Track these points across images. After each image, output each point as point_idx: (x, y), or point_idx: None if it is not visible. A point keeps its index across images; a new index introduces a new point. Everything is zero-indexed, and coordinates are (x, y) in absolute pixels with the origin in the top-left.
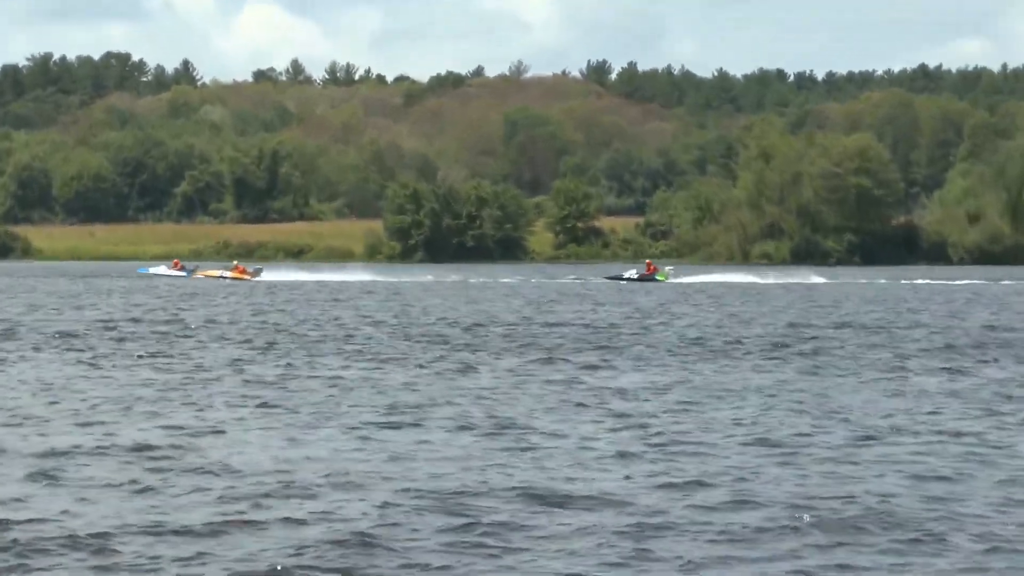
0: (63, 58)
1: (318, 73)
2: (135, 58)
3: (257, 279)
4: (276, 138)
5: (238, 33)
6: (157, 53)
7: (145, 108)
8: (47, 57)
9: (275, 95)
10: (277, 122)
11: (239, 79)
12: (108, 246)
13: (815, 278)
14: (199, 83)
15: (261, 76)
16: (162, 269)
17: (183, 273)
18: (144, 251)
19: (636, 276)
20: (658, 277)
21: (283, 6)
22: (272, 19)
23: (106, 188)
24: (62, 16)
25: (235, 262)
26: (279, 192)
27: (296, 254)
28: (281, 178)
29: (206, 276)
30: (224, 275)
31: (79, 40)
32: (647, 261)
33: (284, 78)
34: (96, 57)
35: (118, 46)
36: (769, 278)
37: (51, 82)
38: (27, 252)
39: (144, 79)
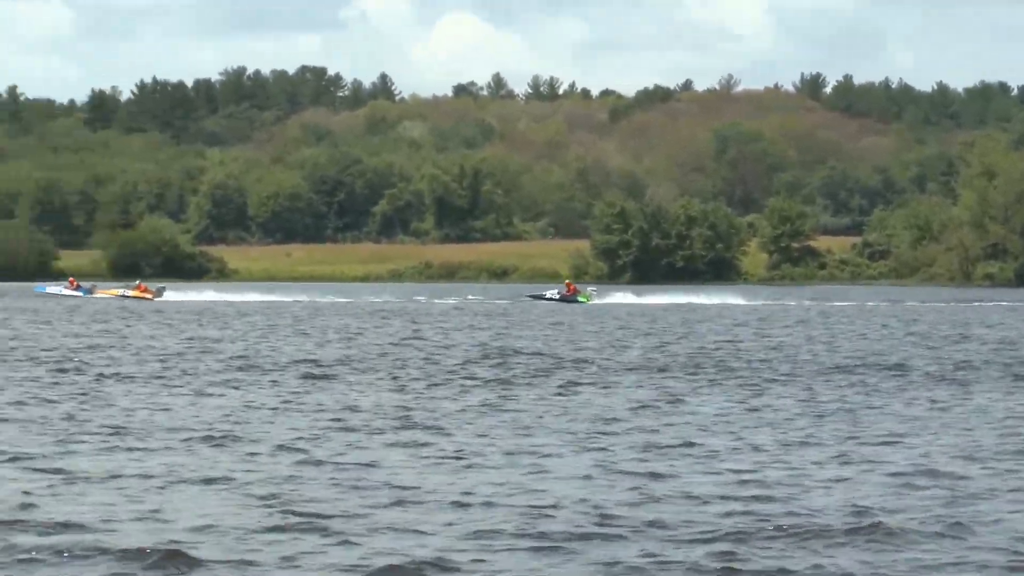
0: (257, 72)
1: (520, 87)
2: (331, 72)
3: (159, 299)
4: (478, 155)
5: (437, 45)
6: (354, 67)
7: (341, 124)
8: (240, 71)
9: (476, 110)
10: (478, 138)
11: (438, 94)
12: (305, 267)
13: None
14: (397, 98)
15: (461, 91)
16: (59, 289)
17: (79, 292)
18: (342, 272)
19: (558, 296)
20: (580, 299)
21: (483, 17)
22: (472, 31)
23: (302, 207)
24: (256, 29)
25: (137, 280)
26: (481, 211)
27: (499, 275)
28: (483, 196)
29: (106, 295)
30: (125, 294)
31: (273, 53)
32: (567, 282)
33: (485, 92)
34: (291, 71)
35: (313, 60)
36: (702, 297)
37: (245, 97)
38: (223, 273)
39: (340, 94)
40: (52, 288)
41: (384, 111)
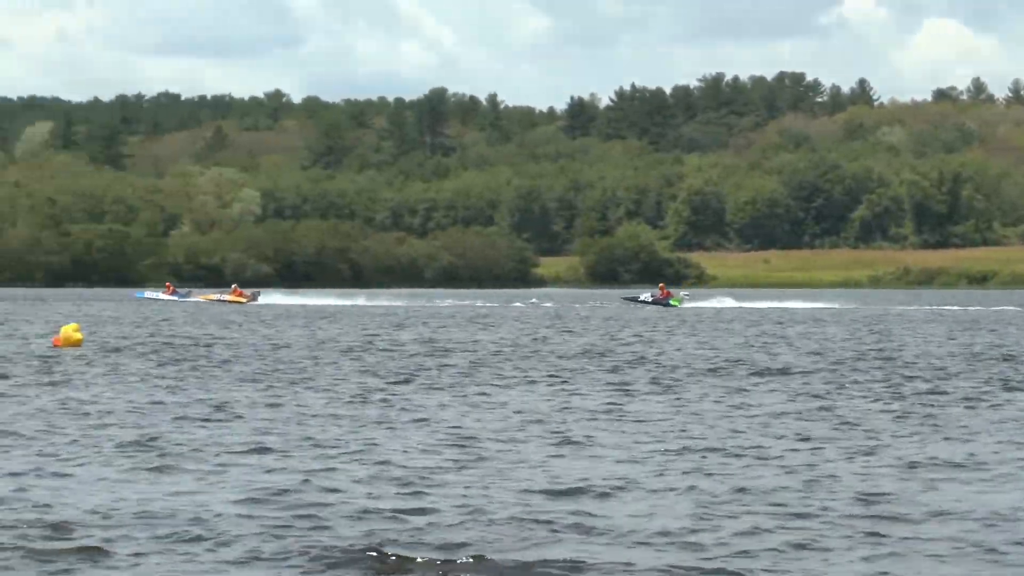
0: (735, 79)
1: (1000, 91)
2: (809, 78)
3: (255, 303)
4: (957, 160)
5: (916, 50)
6: (832, 72)
7: (819, 129)
8: (719, 78)
9: (955, 115)
10: (958, 143)
11: (917, 98)
12: (782, 273)
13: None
14: (876, 103)
15: (941, 95)
16: (156, 294)
17: (175, 297)
18: (818, 278)
19: (651, 300)
20: (672, 302)
21: (964, 21)
22: (953, 35)
23: (780, 213)
24: (734, 35)
25: (233, 285)
26: (960, 216)
27: (979, 280)
28: (963, 201)
29: (204, 299)
30: (222, 298)
31: (751, 60)
32: (660, 285)
33: (965, 97)
34: (769, 77)
35: (791, 65)
36: (797, 302)
37: (723, 104)
38: (700, 279)
39: (819, 99)
40: (150, 293)
41: (862, 116)
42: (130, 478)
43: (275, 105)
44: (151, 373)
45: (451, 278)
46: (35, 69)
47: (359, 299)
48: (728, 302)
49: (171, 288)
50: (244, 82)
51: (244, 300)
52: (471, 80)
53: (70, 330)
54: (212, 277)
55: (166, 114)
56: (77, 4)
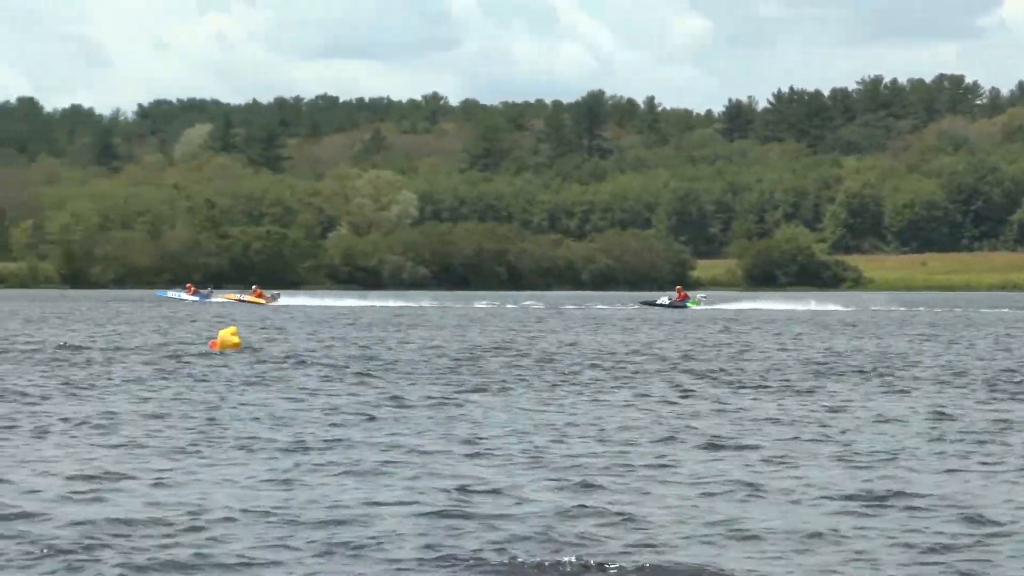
0: (894, 81)
1: None
2: (968, 80)
3: (274, 304)
4: None
5: None
6: (991, 74)
7: (978, 132)
8: (877, 80)
9: None
10: None
11: None
12: (940, 276)
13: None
14: None
15: None
16: (177, 293)
17: (196, 297)
18: (976, 281)
19: (668, 303)
20: (689, 304)
21: None
22: None
23: (939, 216)
24: (893, 37)
25: (253, 285)
26: None
27: None
28: None
29: (225, 299)
30: (242, 298)
31: (910, 62)
32: (678, 287)
33: None
34: (928, 79)
35: (950, 67)
36: (811, 304)
37: (881, 106)
38: (858, 282)
39: (978, 102)
40: (172, 293)
41: (1022, 118)
42: (305, 480)
43: (433, 107)
44: (318, 376)
45: (608, 280)
46: (194, 71)
47: (390, 301)
48: (746, 304)
49: (193, 288)
50: (402, 84)
51: (264, 301)
52: (629, 82)
53: (227, 333)
54: (369, 279)
55: (324, 116)
56: (236, 7)
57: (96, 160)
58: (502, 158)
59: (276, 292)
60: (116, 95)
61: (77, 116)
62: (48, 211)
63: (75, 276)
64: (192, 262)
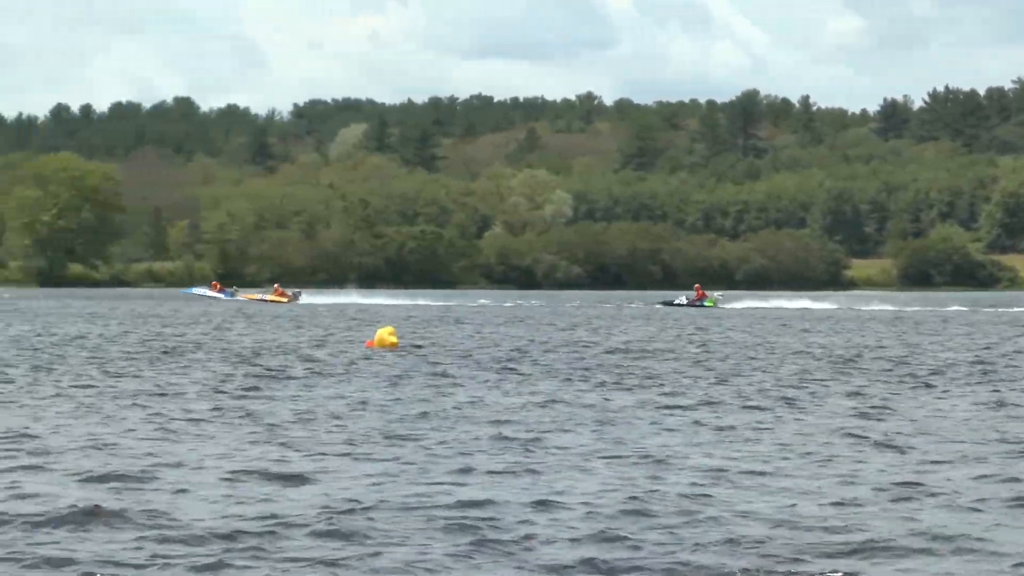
0: None
1: None
2: None
3: (296, 303)
4: None
5: None
6: None
7: None
8: None
9: None
10: None
11: None
12: None
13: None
14: None
15: None
16: (203, 291)
17: (224, 295)
18: None
19: (686, 302)
20: (706, 303)
21: None
22: None
23: None
24: None
25: (275, 285)
26: None
27: None
28: None
29: (247, 298)
30: (263, 297)
31: None
32: (696, 286)
33: None
34: None
35: None
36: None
37: None
38: (1013, 282)
39: None
40: (197, 290)
41: None
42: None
43: (587, 107)
44: (481, 374)
45: (762, 280)
46: (349, 71)
47: (421, 299)
48: (759, 302)
49: (218, 286)
50: (557, 84)
51: (285, 300)
52: (783, 81)
53: (385, 333)
54: (524, 279)
55: (479, 116)
56: (390, 6)
57: (251, 160)
58: (656, 157)
59: (298, 291)
60: (271, 95)
61: (233, 116)
62: (204, 211)
63: (230, 275)
64: (346, 261)
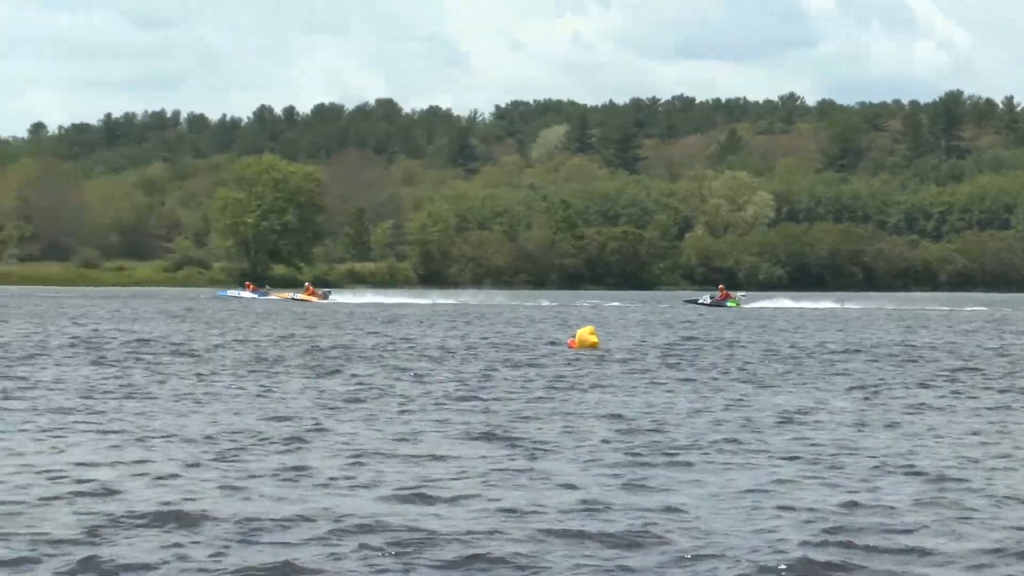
0: None
1: None
2: None
3: (326, 301)
4: None
5: None
6: None
7: None
8: None
9: None
10: None
11: None
12: None
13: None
14: None
15: None
16: (237, 292)
17: (257, 295)
18: None
19: (710, 301)
20: (729, 304)
21: None
22: None
23: None
24: None
25: (306, 283)
26: None
27: None
28: None
29: (279, 297)
30: (295, 296)
31: None
32: (720, 287)
33: None
34: None
35: None
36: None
37: None
38: None
39: None
40: (232, 292)
41: None
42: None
43: (789, 108)
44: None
45: (965, 282)
46: (550, 72)
47: (438, 298)
48: (785, 302)
49: (251, 287)
50: (758, 85)
51: (316, 299)
52: (987, 82)
53: (586, 333)
54: (725, 280)
55: (680, 117)
56: (591, 8)
57: (452, 161)
58: (858, 159)
59: (327, 290)
60: (473, 96)
61: (435, 117)
62: (406, 212)
63: (432, 276)
64: (548, 262)
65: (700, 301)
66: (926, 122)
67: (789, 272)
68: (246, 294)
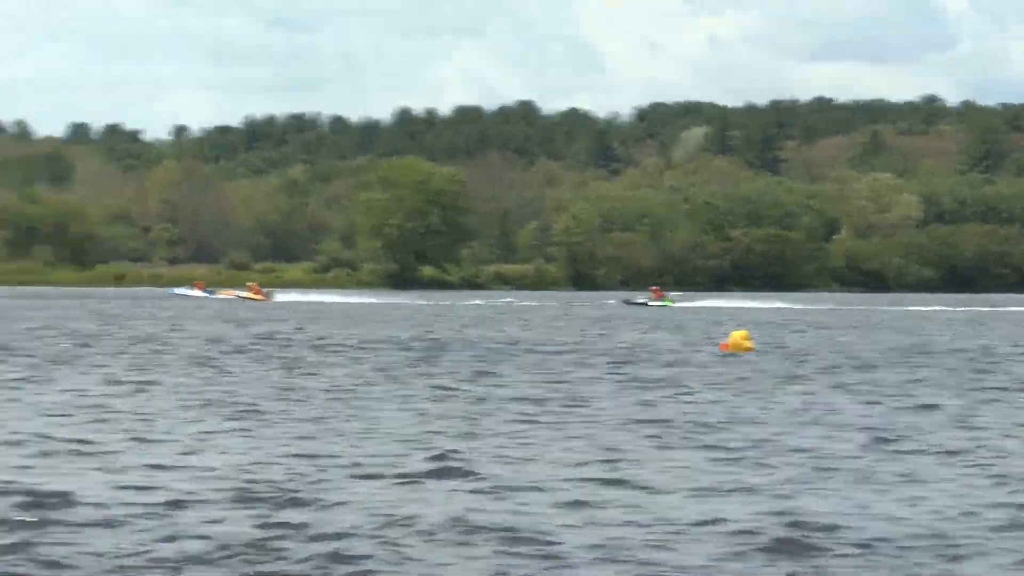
0: None
1: None
2: None
3: (270, 300)
4: None
5: None
6: None
7: None
8: None
9: None
10: None
11: None
12: None
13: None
14: None
15: None
16: (185, 291)
17: (205, 293)
18: None
19: (645, 302)
20: (665, 303)
21: None
22: None
23: None
24: None
25: (248, 283)
26: None
27: None
28: None
29: (227, 296)
30: (239, 295)
31: None
32: (653, 287)
33: None
34: None
35: None
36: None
37: None
38: None
39: None
40: (180, 290)
41: None
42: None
43: (930, 109)
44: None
45: None
46: (689, 74)
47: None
48: (719, 302)
49: (202, 285)
50: (899, 86)
51: (260, 297)
52: None
53: (740, 337)
54: (873, 282)
55: (820, 119)
56: (727, 10)
57: (593, 163)
58: (1001, 160)
59: (270, 290)
60: (612, 98)
61: (574, 119)
62: (549, 213)
63: (580, 278)
64: (693, 264)
65: (638, 301)
66: None
67: (939, 274)
68: (196, 292)
